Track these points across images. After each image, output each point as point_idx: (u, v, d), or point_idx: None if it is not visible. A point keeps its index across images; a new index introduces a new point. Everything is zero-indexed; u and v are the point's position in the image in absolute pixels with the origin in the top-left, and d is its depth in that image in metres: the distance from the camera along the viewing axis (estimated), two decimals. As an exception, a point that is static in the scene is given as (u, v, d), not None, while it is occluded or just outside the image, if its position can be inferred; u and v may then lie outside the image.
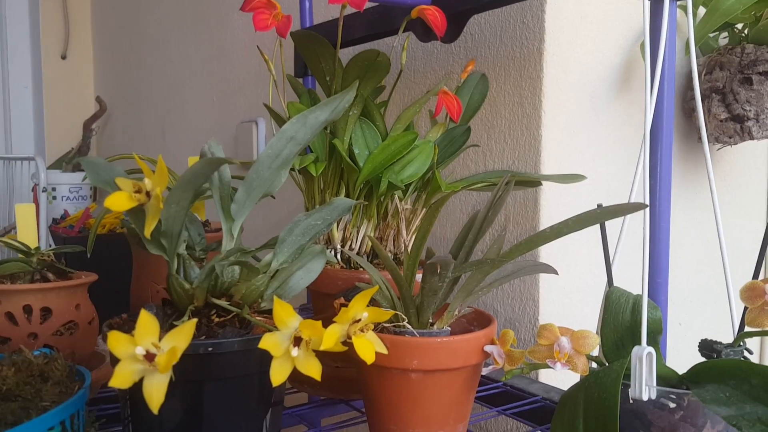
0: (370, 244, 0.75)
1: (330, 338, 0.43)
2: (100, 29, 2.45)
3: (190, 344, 0.44)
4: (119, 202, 0.44)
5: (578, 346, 0.48)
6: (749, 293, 0.45)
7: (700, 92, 0.93)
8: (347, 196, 0.71)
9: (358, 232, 0.73)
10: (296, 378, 0.72)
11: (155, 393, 0.40)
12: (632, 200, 0.54)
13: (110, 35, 2.35)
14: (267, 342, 0.42)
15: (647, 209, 0.49)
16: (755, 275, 0.50)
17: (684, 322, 1.02)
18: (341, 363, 0.69)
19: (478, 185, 0.75)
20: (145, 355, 0.39)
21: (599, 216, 0.51)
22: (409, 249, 0.62)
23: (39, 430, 0.41)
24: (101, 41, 2.44)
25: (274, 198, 0.68)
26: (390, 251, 0.74)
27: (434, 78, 0.98)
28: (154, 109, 1.99)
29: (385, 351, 0.47)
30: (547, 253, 0.84)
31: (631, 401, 0.50)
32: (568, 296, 0.87)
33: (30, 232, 0.67)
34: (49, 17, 2.41)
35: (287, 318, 0.43)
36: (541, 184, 0.80)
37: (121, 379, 0.38)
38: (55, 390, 0.45)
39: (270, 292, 0.52)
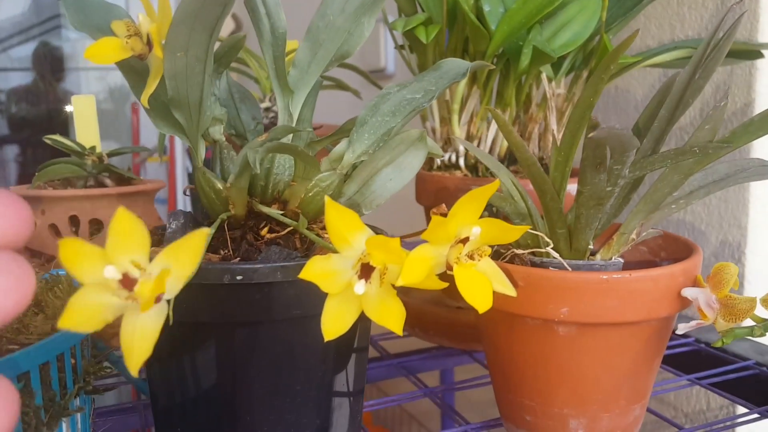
0: (505, 145, 0.55)
1: (414, 267, 0.25)
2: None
3: (211, 270, 0.29)
4: (103, 51, 0.29)
5: None
6: None
7: None
8: (474, 75, 0.52)
9: (488, 128, 0.54)
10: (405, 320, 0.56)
11: (137, 343, 0.25)
12: None
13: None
14: (313, 270, 0.26)
15: None
16: None
17: None
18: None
19: (666, 58, 0.52)
20: (120, 280, 0.24)
21: None
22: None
23: (9, 374, 0.29)
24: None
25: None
26: (534, 154, 0.54)
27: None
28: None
29: (513, 293, 0.28)
30: None
31: None
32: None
33: (89, 129, 0.55)
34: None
35: (348, 232, 0.26)
36: (762, 55, 0.55)
37: (76, 317, 0.24)
38: (46, 325, 0.33)
39: (345, 200, 0.35)
